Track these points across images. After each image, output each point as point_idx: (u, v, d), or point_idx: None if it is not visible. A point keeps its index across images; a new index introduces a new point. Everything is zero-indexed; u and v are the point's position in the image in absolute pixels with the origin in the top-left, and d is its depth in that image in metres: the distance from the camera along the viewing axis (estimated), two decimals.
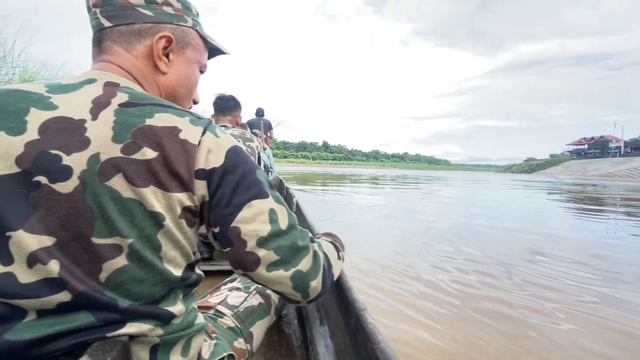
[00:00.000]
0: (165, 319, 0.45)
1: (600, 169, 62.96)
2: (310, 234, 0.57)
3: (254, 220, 0.48)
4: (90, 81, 0.48)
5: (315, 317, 1.05)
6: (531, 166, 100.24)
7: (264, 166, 3.79)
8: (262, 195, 0.50)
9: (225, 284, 0.85)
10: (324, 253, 0.58)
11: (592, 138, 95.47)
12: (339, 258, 0.66)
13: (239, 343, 0.68)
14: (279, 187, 3.92)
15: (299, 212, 1.89)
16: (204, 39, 0.60)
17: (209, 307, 0.73)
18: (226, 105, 1.86)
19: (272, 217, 0.50)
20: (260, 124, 5.83)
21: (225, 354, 0.59)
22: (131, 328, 0.42)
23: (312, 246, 0.54)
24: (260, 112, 6.05)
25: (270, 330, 0.96)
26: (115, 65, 0.51)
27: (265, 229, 0.49)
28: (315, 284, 0.53)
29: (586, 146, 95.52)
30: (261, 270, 0.49)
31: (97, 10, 0.50)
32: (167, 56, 0.54)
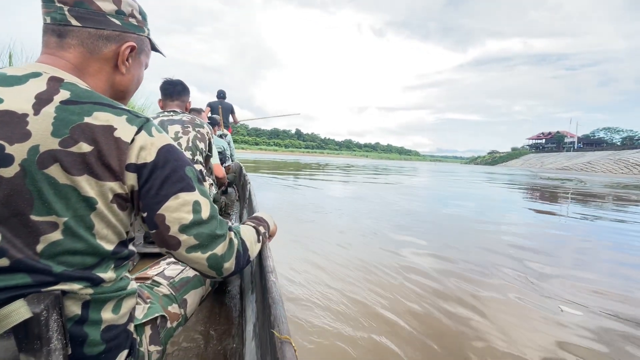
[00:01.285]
0: (95, 282, 0.51)
1: (557, 162, 67.17)
2: (229, 223, 0.67)
3: (178, 210, 0.56)
4: (35, 75, 0.50)
5: (249, 287, 1.23)
6: (494, 158, 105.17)
7: (220, 152, 3.34)
8: (189, 189, 0.57)
9: (165, 259, 0.94)
10: (241, 239, 0.69)
11: (550, 133, 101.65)
12: (259, 241, 0.78)
13: (173, 308, 0.78)
14: (239, 173, 3.84)
15: (250, 198, 1.93)
16: (151, 43, 0.68)
17: (147, 278, 0.83)
18: (174, 90, 1.78)
19: (196, 208, 0.57)
20: (219, 108, 5.36)
21: (157, 314, 0.71)
22: (63, 286, 0.48)
23: (229, 234, 0.64)
24: (221, 95, 5.60)
25: (212, 302, 1.30)
26: (66, 61, 0.54)
27: (188, 217, 0.56)
28: (229, 265, 0.63)
29: (544, 140, 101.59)
30: (181, 251, 0.58)
31: (65, 8, 0.54)
32: (127, 60, 0.61)
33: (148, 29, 0.65)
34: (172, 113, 1.74)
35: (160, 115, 1.74)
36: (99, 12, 0.55)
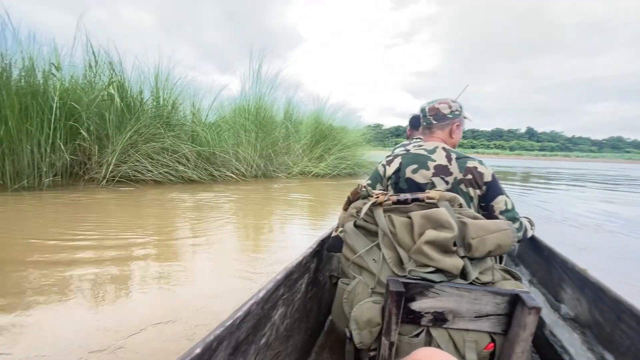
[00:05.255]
0: None
1: None
2: (519, 214, 1.20)
3: (498, 203, 1.13)
4: (436, 147, 1.20)
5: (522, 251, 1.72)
6: None
7: None
8: (502, 193, 1.15)
9: None
10: (524, 224, 1.21)
11: None
12: (531, 228, 1.28)
13: None
14: None
15: None
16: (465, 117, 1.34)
17: None
18: (420, 123, 2.35)
19: (506, 202, 1.14)
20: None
21: None
22: None
23: (520, 219, 1.19)
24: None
25: None
26: (439, 138, 1.26)
27: (503, 207, 1.13)
28: (521, 234, 1.18)
29: None
30: None
31: (431, 118, 1.27)
32: (455, 131, 1.28)
33: (463, 112, 1.30)
34: (419, 140, 2.21)
35: (412, 142, 2.30)
36: (443, 115, 1.25)
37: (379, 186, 1.29)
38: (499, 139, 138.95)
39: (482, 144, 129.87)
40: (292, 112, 9.34)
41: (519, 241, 1.22)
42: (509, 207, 1.13)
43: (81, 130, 5.04)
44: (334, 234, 1.14)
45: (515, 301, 0.74)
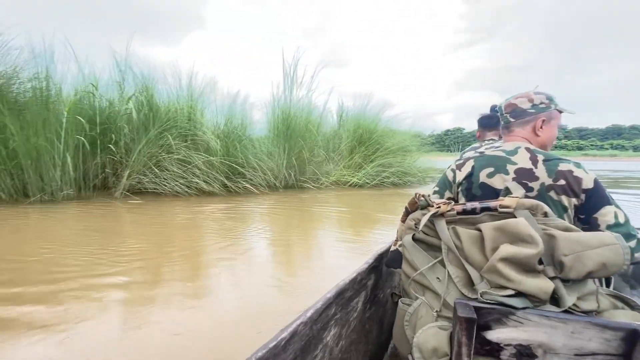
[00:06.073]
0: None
1: None
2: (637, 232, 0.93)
3: (605, 215, 0.89)
4: (518, 147, 0.99)
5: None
6: None
7: None
8: (609, 202, 0.90)
9: None
10: None
11: None
12: None
13: None
14: None
15: None
16: (559, 110, 1.07)
17: None
18: (491, 123, 2.13)
19: (616, 214, 0.89)
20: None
21: None
22: None
23: (638, 236, 0.88)
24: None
25: None
26: (520, 137, 1.05)
27: (611, 221, 0.88)
28: (638, 255, 0.86)
29: None
30: None
31: (508, 115, 1.07)
32: (540, 127, 1.04)
33: (555, 104, 1.04)
34: (491, 141, 2.01)
35: (483, 144, 1.97)
36: (522, 110, 1.04)
37: (447, 194, 1.11)
38: (618, 138, 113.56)
39: (592, 145, 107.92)
40: (346, 118, 8.72)
41: (634, 263, 0.88)
42: (621, 220, 0.90)
43: (86, 144, 4.99)
44: (392, 248, 1.05)
45: (634, 338, 0.60)
